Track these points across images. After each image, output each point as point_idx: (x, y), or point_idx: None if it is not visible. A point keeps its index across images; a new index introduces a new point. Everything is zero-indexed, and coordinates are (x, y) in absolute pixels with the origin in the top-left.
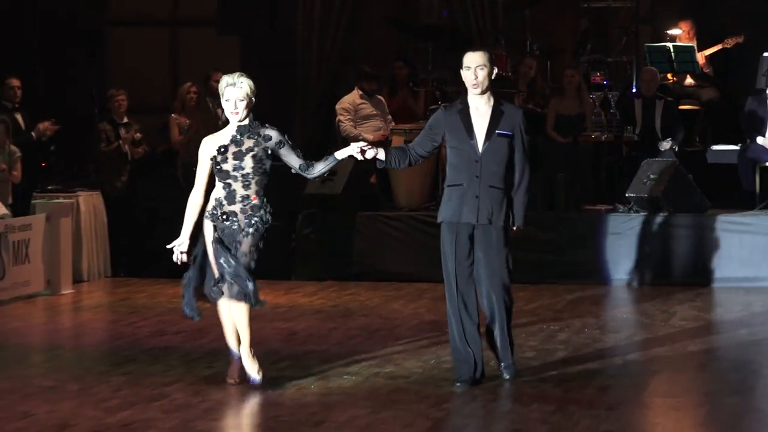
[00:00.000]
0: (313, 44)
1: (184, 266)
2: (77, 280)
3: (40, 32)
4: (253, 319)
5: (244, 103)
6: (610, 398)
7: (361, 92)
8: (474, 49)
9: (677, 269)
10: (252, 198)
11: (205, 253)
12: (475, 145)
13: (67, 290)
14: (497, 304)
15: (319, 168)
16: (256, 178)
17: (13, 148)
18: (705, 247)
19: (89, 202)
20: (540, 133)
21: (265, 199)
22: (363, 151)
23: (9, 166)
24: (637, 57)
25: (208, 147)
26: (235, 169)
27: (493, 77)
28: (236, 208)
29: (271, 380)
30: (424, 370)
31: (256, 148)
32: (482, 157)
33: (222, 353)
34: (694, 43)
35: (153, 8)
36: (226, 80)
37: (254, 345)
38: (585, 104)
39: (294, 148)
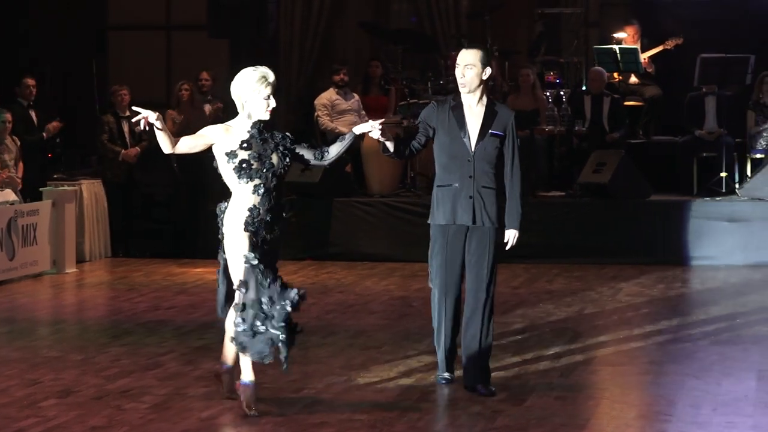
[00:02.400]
0: (295, 46)
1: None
2: (80, 260)
3: (45, 35)
4: None
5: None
6: (562, 365)
7: (336, 89)
8: (468, 46)
9: (623, 249)
10: (277, 202)
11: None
12: (468, 144)
13: (71, 269)
14: (479, 302)
15: (335, 150)
16: (279, 177)
17: (11, 143)
18: (648, 228)
19: (91, 190)
20: None
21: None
22: (381, 130)
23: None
24: (587, 58)
25: (224, 137)
26: (263, 168)
27: (485, 77)
28: (272, 212)
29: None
30: (395, 341)
31: (280, 146)
32: (475, 156)
33: (212, 326)
34: (638, 45)
35: (149, 14)
36: (263, 73)
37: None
38: (539, 101)
39: (299, 140)
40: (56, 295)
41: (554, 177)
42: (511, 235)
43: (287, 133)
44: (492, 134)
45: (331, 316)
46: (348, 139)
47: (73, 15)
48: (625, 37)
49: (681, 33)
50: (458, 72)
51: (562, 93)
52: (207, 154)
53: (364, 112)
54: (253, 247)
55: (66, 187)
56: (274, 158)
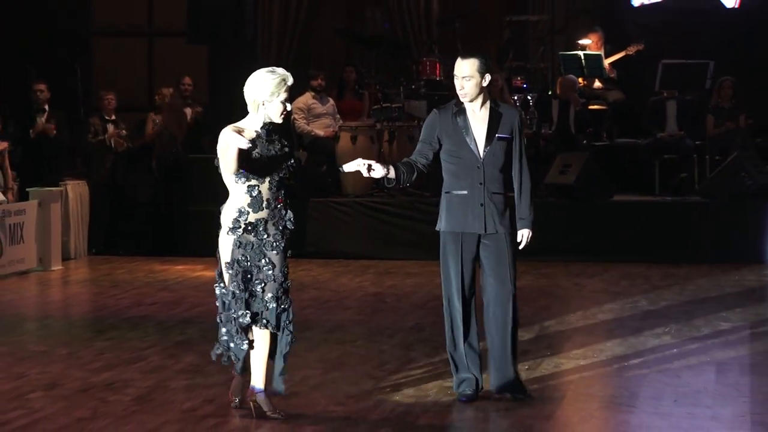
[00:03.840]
0: (272, 51)
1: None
2: (65, 257)
3: (32, 41)
4: None
5: None
6: (528, 359)
7: (313, 93)
8: (463, 56)
9: (588, 247)
10: (278, 200)
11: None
12: (476, 151)
13: (57, 267)
14: (503, 309)
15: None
16: (282, 180)
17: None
18: (612, 227)
19: (76, 190)
20: None
21: (287, 201)
22: (370, 168)
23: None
24: (553, 64)
25: (235, 137)
26: (264, 168)
27: (485, 84)
28: (264, 214)
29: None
30: (369, 336)
31: (285, 149)
32: (484, 163)
33: (192, 321)
34: (601, 52)
35: (132, 20)
36: (281, 76)
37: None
38: (507, 104)
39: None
40: (42, 291)
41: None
42: (525, 235)
43: (293, 159)
44: (499, 138)
45: (308, 312)
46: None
47: (59, 21)
48: (590, 44)
49: (643, 39)
50: (457, 84)
51: (529, 97)
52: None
53: (339, 116)
54: (237, 248)
55: (52, 188)
56: (276, 162)
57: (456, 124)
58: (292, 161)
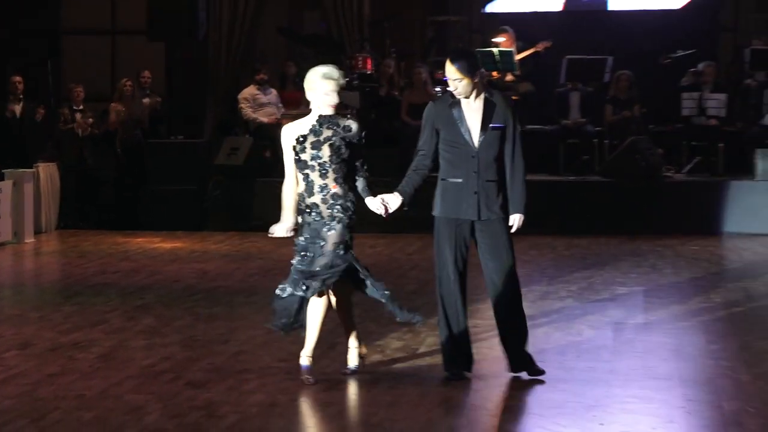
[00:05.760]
0: (222, 48)
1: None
2: (38, 231)
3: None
4: (174, 261)
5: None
6: None
7: (257, 86)
8: (450, 60)
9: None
10: (332, 186)
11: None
12: (471, 141)
13: (30, 239)
14: (507, 289)
15: (360, 184)
16: (334, 166)
17: None
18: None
19: (47, 171)
20: (396, 118)
21: (347, 187)
22: (386, 208)
23: None
24: None
25: (289, 135)
26: (312, 159)
27: (476, 80)
28: (317, 199)
29: (187, 309)
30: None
31: (334, 138)
32: (479, 152)
33: (150, 287)
34: (513, 48)
35: (97, 21)
36: (322, 72)
37: (174, 282)
38: (430, 95)
39: (362, 149)
40: (17, 261)
41: None
42: (516, 219)
43: (362, 134)
44: (493, 128)
45: (254, 279)
46: (365, 194)
47: (32, 22)
48: (503, 41)
49: (550, 38)
50: (451, 85)
51: (449, 89)
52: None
53: (281, 105)
54: (302, 228)
55: (25, 169)
56: (325, 150)
57: (451, 114)
58: (344, 152)
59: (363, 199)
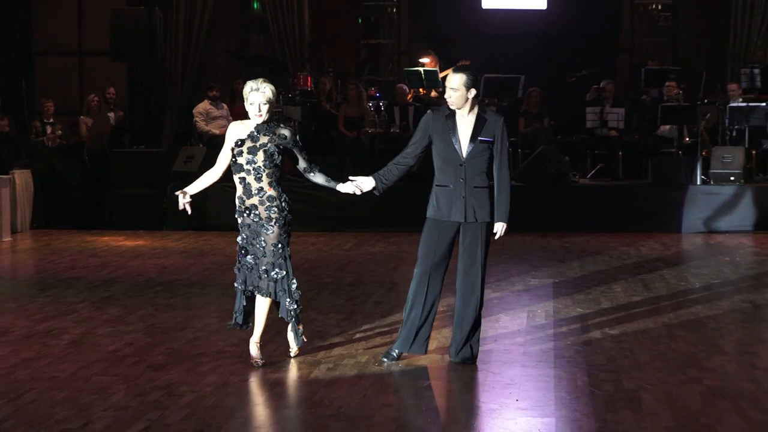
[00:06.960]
0: (178, 68)
1: (183, 211)
2: (14, 231)
3: None
4: (137, 257)
5: (267, 106)
6: (382, 309)
7: (210, 101)
8: (455, 70)
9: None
10: (267, 189)
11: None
12: (460, 150)
13: (7, 238)
14: (473, 286)
15: (320, 179)
16: (268, 171)
17: None
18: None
19: (22, 177)
20: (334, 129)
21: (280, 189)
22: (359, 189)
23: None
24: (399, 77)
25: (232, 135)
26: (248, 163)
27: (470, 96)
28: (255, 200)
29: (148, 300)
30: None
31: (269, 144)
32: (466, 161)
33: (115, 281)
34: (437, 68)
35: (65, 42)
36: (250, 85)
37: (137, 276)
38: (364, 110)
39: (303, 149)
40: None
41: (375, 167)
42: (499, 227)
43: (296, 138)
44: (481, 140)
45: (208, 273)
46: (332, 184)
47: (6, 44)
48: (427, 62)
49: (469, 58)
50: (447, 93)
51: (381, 104)
52: (112, 150)
53: (231, 118)
54: (240, 228)
55: (2, 176)
56: (260, 156)
57: (446, 125)
58: (277, 158)
59: (333, 189)
